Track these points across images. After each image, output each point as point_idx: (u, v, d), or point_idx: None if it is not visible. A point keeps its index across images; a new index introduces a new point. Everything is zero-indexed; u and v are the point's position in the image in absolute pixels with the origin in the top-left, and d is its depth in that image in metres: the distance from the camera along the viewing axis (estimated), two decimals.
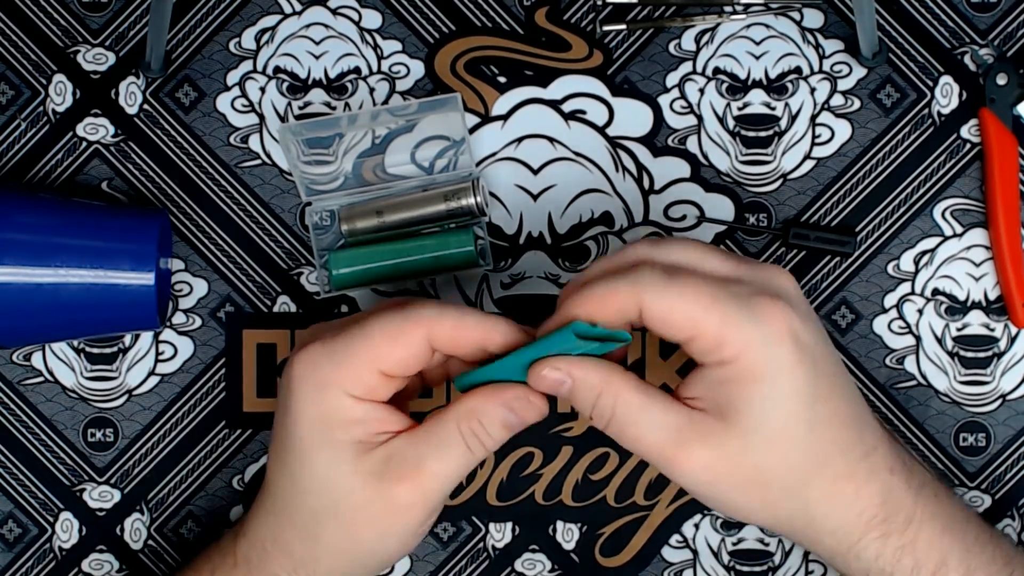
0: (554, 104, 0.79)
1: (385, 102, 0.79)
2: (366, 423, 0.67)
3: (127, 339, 0.80)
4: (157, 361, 0.80)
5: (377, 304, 0.71)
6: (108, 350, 0.79)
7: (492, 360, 0.67)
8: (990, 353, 0.79)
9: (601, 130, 0.79)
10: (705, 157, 0.79)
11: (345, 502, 0.67)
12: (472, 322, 0.66)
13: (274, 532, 0.70)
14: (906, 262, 0.79)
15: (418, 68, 0.79)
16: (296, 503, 0.68)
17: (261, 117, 0.79)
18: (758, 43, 0.79)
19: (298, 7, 0.79)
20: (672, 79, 0.79)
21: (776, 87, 0.79)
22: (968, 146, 0.79)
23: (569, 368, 0.65)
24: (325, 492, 0.67)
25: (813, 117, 0.79)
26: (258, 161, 0.80)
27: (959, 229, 0.79)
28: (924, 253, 0.79)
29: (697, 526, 0.80)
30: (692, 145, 0.79)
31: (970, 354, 0.79)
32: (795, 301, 0.65)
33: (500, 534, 0.80)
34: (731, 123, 0.79)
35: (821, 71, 0.79)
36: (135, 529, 0.80)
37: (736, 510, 0.67)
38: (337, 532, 0.68)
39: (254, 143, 0.79)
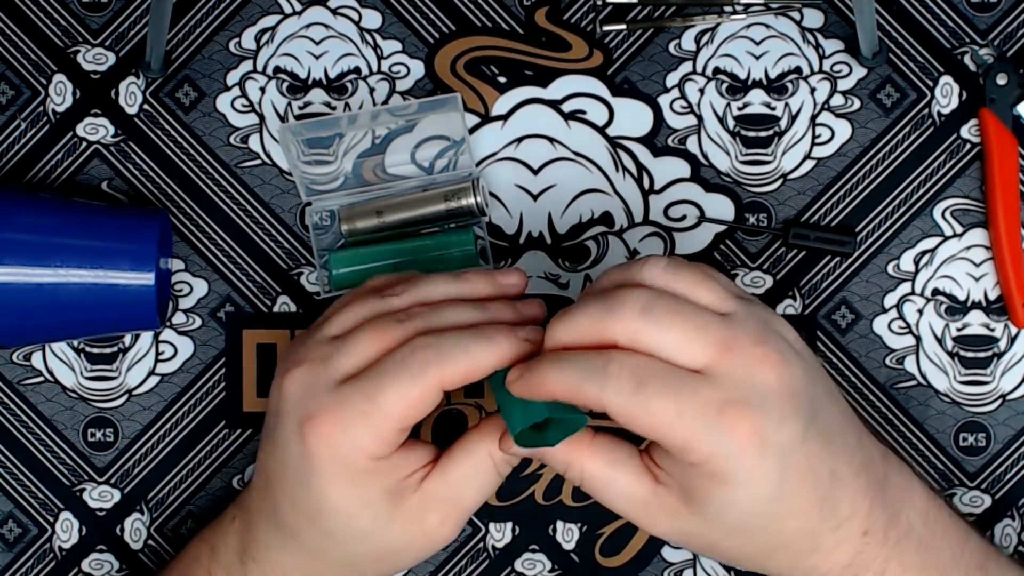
0: (554, 104, 0.79)
1: (385, 102, 0.79)
2: (394, 472, 0.67)
3: (127, 339, 0.80)
4: (157, 361, 0.80)
5: (352, 322, 0.68)
6: (108, 350, 0.79)
7: None
8: (990, 353, 0.79)
9: (601, 130, 0.79)
10: (705, 157, 0.79)
11: (389, 547, 0.68)
12: (482, 357, 0.65)
13: (300, 565, 0.70)
14: (906, 262, 0.79)
15: (418, 68, 0.79)
16: (335, 552, 0.69)
17: (261, 117, 0.79)
18: (758, 43, 0.79)
19: (298, 7, 0.79)
20: (672, 79, 0.79)
21: (776, 87, 0.79)
22: (968, 146, 0.79)
23: (532, 450, 0.67)
24: (369, 543, 0.68)
25: (813, 117, 0.79)
26: (258, 161, 0.80)
27: (959, 229, 0.79)
28: (924, 253, 0.79)
29: None
30: (692, 145, 0.79)
31: (970, 354, 0.79)
32: (773, 399, 0.62)
33: (500, 534, 0.80)
34: (731, 123, 0.79)
35: (821, 71, 0.79)
36: (135, 529, 0.80)
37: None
38: (379, 567, 0.70)
39: (254, 143, 0.79)
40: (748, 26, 0.79)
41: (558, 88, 0.79)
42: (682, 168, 0.79)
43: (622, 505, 0.67)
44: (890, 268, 0.79)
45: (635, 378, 0.61)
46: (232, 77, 0.79)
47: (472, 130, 0.79)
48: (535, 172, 0.79)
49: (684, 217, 0.80)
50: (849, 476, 0.65)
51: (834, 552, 0.66)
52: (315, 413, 0.66)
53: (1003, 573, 0.71)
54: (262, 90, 0.79)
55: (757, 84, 0.79)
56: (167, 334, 0.80)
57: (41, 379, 0.80)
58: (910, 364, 0.79)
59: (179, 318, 0.80)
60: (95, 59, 0.79)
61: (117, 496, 0.80)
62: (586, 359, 0.63)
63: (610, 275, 0.67)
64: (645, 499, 0.66)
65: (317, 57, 0.79)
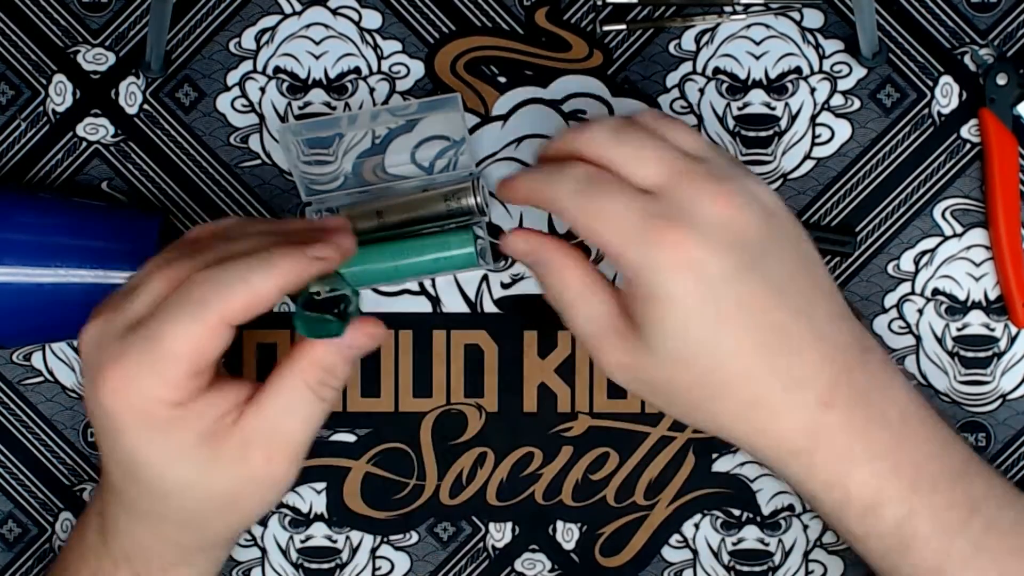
0: (554, 104, 0.79)
1: (385, 102, 0.79)
2: (204, 415, 0.63)
3: None
4: None
5: (151, 271, 0.65)
6: None
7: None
8: (990, 353, 0.79)
9: None
10: None
11: (222, 494, 0.65)
12: (264, 285, 0.62)
13: (152, 531, 0.67)
14: (906, 262, 0.79)
15: (418, 68, 0.79)
16: (171, 508, 0.66)
17: (261, 117, 0.79)
18: (758, 43, 0.79)
19: (298, 7, 0.79)
20: (672, 79, 0.79)
21: (776, 87, 0.79)
22: (968, 146, 0.79)
23: (531, 243, 0.67)
24: (199, 492, 0.64)
25: (813, 117, 0.79)
26: (258, 161, 0.80)
27: (959, 229, 0.79)
28: (924, 253, 0.79)
29: (697, 526, 0.80)
30: None
31: (970, 354, 0.79)
32: (712, 228, 0.62)
33: (500, 534, 0.80)
34: (731, 123, 0.79)
35: (821, 71, 0.79)
36: None
37: (656, 407, 0.70)
38: (224, 517, 0.66)
39: (254, 143, 0.79)
40: (748, 26, 0.79)
41: (558, 88, 0.79)
42: None
43: (583, 327, 0.66)
44: (890, 268, 0.79)
45: (586, 179, 0.63)
46: (232, 77, 0.79)
47: (472, 130, 0.79)
48: None
49: None
50: (806, 338, 0.64)
51: (786, 415, 0.64)
52: (103, 365, 0.62)
53: (984, 482, 0.68)
54: (262, 90, 0.79)
55: (757, 84, 0.79)
56: None
57: (41, 379, 0.80)
58: (910, 364, 0.79)
59: None
60: (95, 59, 0.79)
61: None
62: (549, 168, 0.65)
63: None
64: (604, 324, 0.65)
65: (317, 57, 0.79)
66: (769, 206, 0.65)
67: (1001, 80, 0.78)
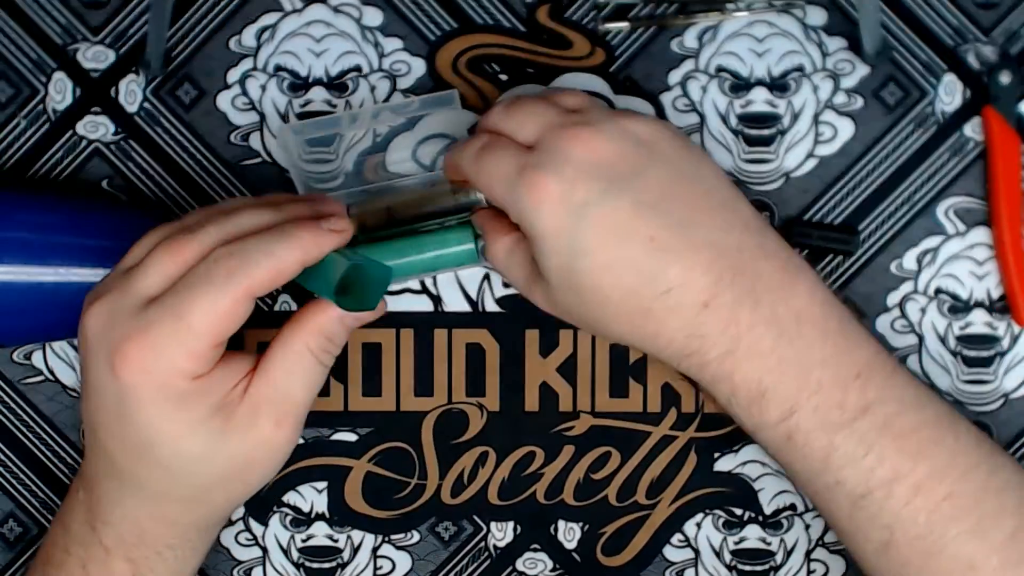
0: None
1: (386, 100, 0.79)
2: (217, 388, 0.65)
3: None
4: None
5: (147, 251, 0.67)
6: None
7: None
8: (993, 352, 0.79)
9: None
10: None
11: (231, 464, 0.67)
12: (288, 257, 0.65)
13: (151, 512, 0.69)
14: (909, 261, 0.79)
15: (419, 66, 0.79)
16: (177, 485, 0.67)
17: (262, 115, 0.79)
18: (761, 41, 0.79)
19: (299, 5, 0.79)
20: (674, 77, 0.79)
21: (779, 85, 0.79)
22: (971, 144, 0.79)
23: (480, 218, 0.74)
24: (208, 465, 0.67)
25: (816, 115, 0.79)
26: (259, 159, 0.79)
27: (962, 228, 0.79)
28: (927, 252, 0.79)
29: (699, 525, 0.80)
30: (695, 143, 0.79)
31: (973, 353, 0.79)
32: (573, 166, 0.67)
33: (501, 533, 0.80)
34: (734, 121, 0.79)
35: (824, 69, 0.79)
36: None
37: (588, 332, 0.78)
38: (230, 489, 0.69)
39: (255, 141, 0.79)
40: (751, 24, 0.79)
41: (560, 86, 0.79)
42: None
43: (513, 277, 0.72)
44: (893, 267, 0.79)
45: (481, 145, 0.69)
46: (232, 75, 0.79)
47: (473, 128, 0.79)
48: None
49: None
50: (679, 247, 0.66)
51: (668, 321, 0.67)
52: (122, 342, 0.64)
53: (885, 385, 0.68)
54: (263, 88, 0.79)
55: (760, 82, 0.79)
56: None
57: (41, 378, 0.80)
58: (913, 363, 0.79)
59: None
60: (95, 57, 0.79)
61: None
62: (461, 141, 0.72)
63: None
64: (525, 270, 0.71)
65: (318, 55, 0.79)
66: (643, 136, 0.68)
67: (1005, 78, 0.78)
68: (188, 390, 0.64)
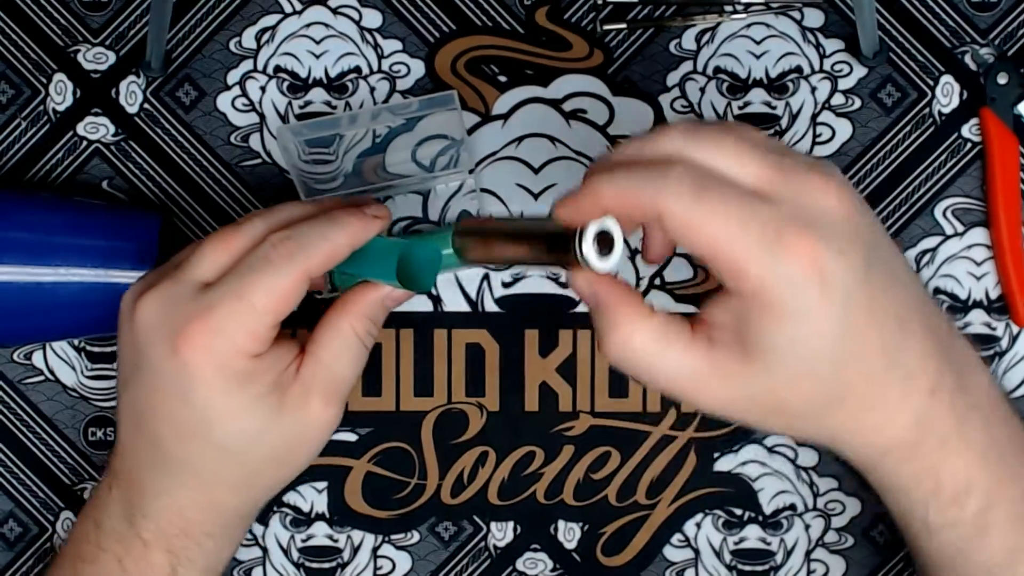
0: (555, 103, 0.79)
1: (385, 101, 0.79)
2: (273, 366, 0.67)
3: None
4: None
5: (198, 246, 0.69)
6: (109, 349, 0.79)
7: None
8: (991, 352, 0.79)
9: (602, 129, 0.79)
10: None
11: (283, 443, 0.69)
12: (343, 238, 0.67)
13: (195, 499, 0.69)
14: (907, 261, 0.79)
15: (418, 67, 0.79)
16: (228, 467, 0.69)
17: (261, 116, 0.79)
18: (759, 42, 0.79)
19: (298, 6, 0.79)
20: (673, 78, 0.79)
21: (777, 86, 0.79)
22: (969, 145, 0.79)
23: (595, 288, 0.61)
24: (262, 445, 0.68)
25: (814, 116, 0.79)
26: (259, 160, 0.79)
27: (960, 228, 0.79)
28: (925, 252, 0.79)
29: (699, 525, 0.80)
30: None
31: None
32: (834, 227, 0.58)
33: (501, 533, 0.80)
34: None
35: (822, 70, 0.79)
36: None
37: (757, 428, 0.71)
38: (279, 471, 0.71)
39: (255, 142, 0.79)
40: (749, 25, 0.79)
41: (559, 87, 0.79)
42: None
43: (671, 380, 0.60)
44: None
45: (696, 185, 0.57)
46: (232, 76, 0.79)
47: (473, 129, 0.79)
48: (536, 171, 0.79)
49: None
50: (918, 328, 0.61)
51: (899, 409, 0.61)
52: (185, 324, 0.66)
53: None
54: (262, 89, 0.79)
55: (758, 83, 0.79)
56: None
57: (42, 378, 0.80)
58: None
59: None
60: (95, 58, 0.79)
61: None
62: (644, 168, 0.59)
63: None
64: (697, 368, 0.60)
65: (317, 56, 0.79)
66: (857, 195, 0.61)
67: (1002, 79, 0.78)
68: (247, 369, 0.66)
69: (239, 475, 0.69)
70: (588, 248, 0.59)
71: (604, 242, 0.59)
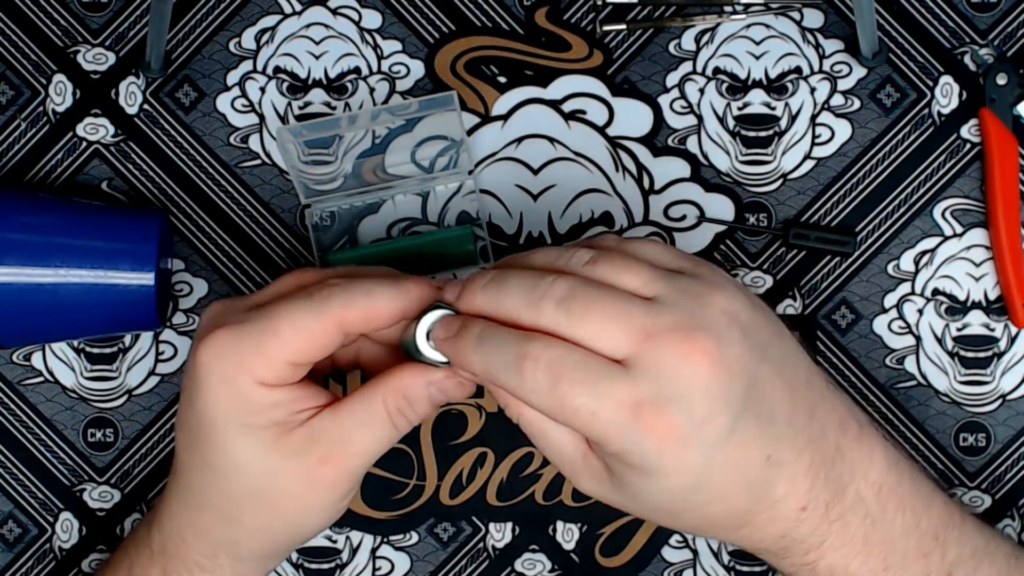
0: (554, 104, 0.79)
1: (385, 102, 0.79)
2: (283, 405, 0.64)
3: (127, 339, 0.80)
4: (157, 361, 0.80)
5: (285, 278, 0.68)
6: (108, 350, 0.79)
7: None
8: (990, 353, 0.79)
9: (601, 130, 0.79)
10: (705, 157, 0.79)
11: (267, 483, 0.65)
12: (384, 301, 0.64)
13: (191, 519, 0.68)
14: (906, 262, 0.79)
15: (418, 68, 0.79)
16: (214, 489, 0.67)
17: (261, 117, 0.79)
18: (758, 43, 0.79)
19: (298, 7, 0.79)
20: (672, 79, 0.79)
21: (776, 87, 0.79)
22: (968, 146, 0.79)
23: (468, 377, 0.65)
24: (245, 476, 0.65)
25: (813, 117, 0.79)
26: (258, 161, 0.80)
27: (959, 229, 0.79)
28: (924, 253, 0.79)
29: None
30: (692, 145, 0.79)
31: (970, 354, 0.79)
32: (696, 395, 0.60)
33: (500, 534, 0.80)
34: (731, 123, 0.79)
35: (821, 71, 0.79)
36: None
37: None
38: (259, 513, 0.67)
39: (254, 143, 0.79)
40: (748, 26, 0.79)
41: (558, 88, 0.79)
42: (682, 168, 0.80)
43: (553, 458, 0.65)
44: (890, 268, 0.79)
45: (551, 373, 0.59)
46: (232, 77, 0.79)
47: (472, 130, 0.79)
48: (535, 172, 0.79)
49: (684, 217, 0.80)
50: (790, 458, 0.63)
51: (767, 527, 0.64)
52: (213, 327, 0.65)
53: (965, 540, 0.68)
54: (262, 90, 0.79)
55: (757, 84, 0.79)
56: (167, 334, 0.80)
57: (41, 379, 0.80)
58: (910, 364, 0.79)
59: (179, 318, 0.80)
60: (95, 59, 0.79)
61: (117, 496, 0.80)
62: (504, 348, 0.61)
63: (541, 255, 0.64)
64: (573, 459, 0.64)
65: (317, 57, 0.79)
66: (742, 319, 0.61)
67: (1001, 80, 0.78)
68: (251, 393, 0.64)
69: (221, 501, 0.67)
70: (422, 342, 0.65)
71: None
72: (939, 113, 0.79)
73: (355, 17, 0.79)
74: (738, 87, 0.79)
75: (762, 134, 0.79)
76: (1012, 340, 0.79)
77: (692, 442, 0.60)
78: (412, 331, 0.64)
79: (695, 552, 0.80)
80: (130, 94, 0.79)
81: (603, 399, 0.59)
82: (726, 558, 0.80)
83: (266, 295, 0.67)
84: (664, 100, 0.79)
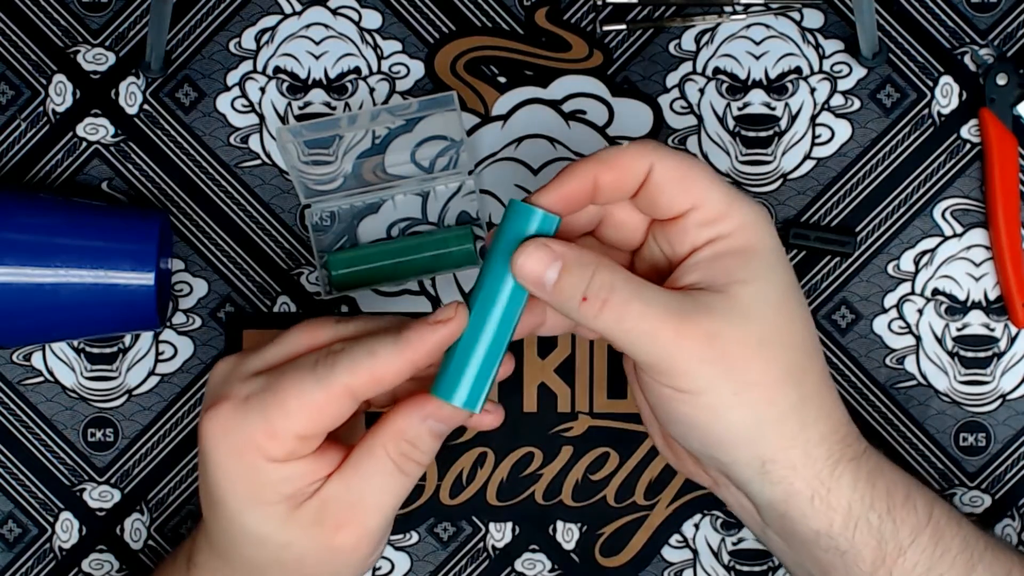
0: (554, 104, 0.79)
1: (385, 102, 0.79)
2: (292, 480, 0.62)
3: (127, 339, 0.80)
4: (157, 361, 0.80)
5: (295, 335, 0.66)
6: (108, 350, 0.79)
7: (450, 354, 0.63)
8: (990, 353, 0.79)
9: (601, 130, 0.79)
10: (705, 157, 0.79)
11: (286, 554, 0.64)
12: (388, 360, 0.61)
13: (221, 571, 0.67)
14: (906, 262, 0.79)
15: (418, 68, 0.79)
16: (235, 553, 0.65)
17: (261, 117, 0.79)
18: (758, 43, 0.79)
19: (298, 7, 0.79)
20: (672, 79, 0.79)
21: (776, 87, 0.79)
22: (968, 146, 0.79)
23: (561, 248, 0.61)
24: (263, 548, 0.64)
25: (813, 117, 0.79)
26: (258, 161, 0.80)
27: (959, 229, 0.79)
28: (924, 253, 0.79)
29: (697, 526, 0.80)
30: (692, 145, 0.79)
31: (970, 354, 0.79)
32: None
33: (500, 534, 0.80)
34: (731, 123, 0.79)
35: (821, 71, 0.79)
36: (135, 529, 0.80)
37: (725, 416, 0.62)
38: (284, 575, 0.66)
39: (254, 143, 0.79)
40: (748, 26, 0.79)
41: (558, 88, 0.79)
42: None
43: (655, 312, 0.60)
44: (890, 268, 0.79)
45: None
46: (232, 77, 0.79)
47: (472, 130, 0.79)
48: (535, 172, 0.79)
49: None
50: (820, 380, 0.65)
51: (837, 405, 0.66)
52: (218, 400, 0.63)
53: (952, 513, 0.69)
54: (262, 90, 0.79)
55: (757, 84, 0.79)
56: (167, 334, 0.80)
57: (41, 379, 0.80)
58: (910, 364, 0.79)
59: (179, 318, 0.80)
60: (95, 59, 0.79)
61: (117, 496, 0.80)
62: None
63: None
64: (680, 302, 0.61)
65: (317, 57, 0.79)
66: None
67: (1001, 80, 0.78)
68: (260, 468, 0.62)
69: (244, 566, 0.65)
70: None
71: None
72: (939, 113, 0.79)
73: (355, 17, 0.79)
74: (738, 87, 0.79)
75: (762, 134, 0.79)
76: (1012, 340, 0.79)
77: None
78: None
79: (695, 552, 0.80)
80: (130, 94, 0.79)
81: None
82: (726, 558, 0.80)
83: (275, 355, 0.65)
84: (664, 100, 0.79)
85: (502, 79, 0.79)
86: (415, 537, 0.80)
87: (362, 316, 0.68)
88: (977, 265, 0.79)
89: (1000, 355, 0.79)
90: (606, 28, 0.79)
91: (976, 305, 0.79)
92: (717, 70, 0.79)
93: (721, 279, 0.62)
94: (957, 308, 0.79)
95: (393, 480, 0.63)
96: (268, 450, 0.62)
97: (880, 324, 0.79)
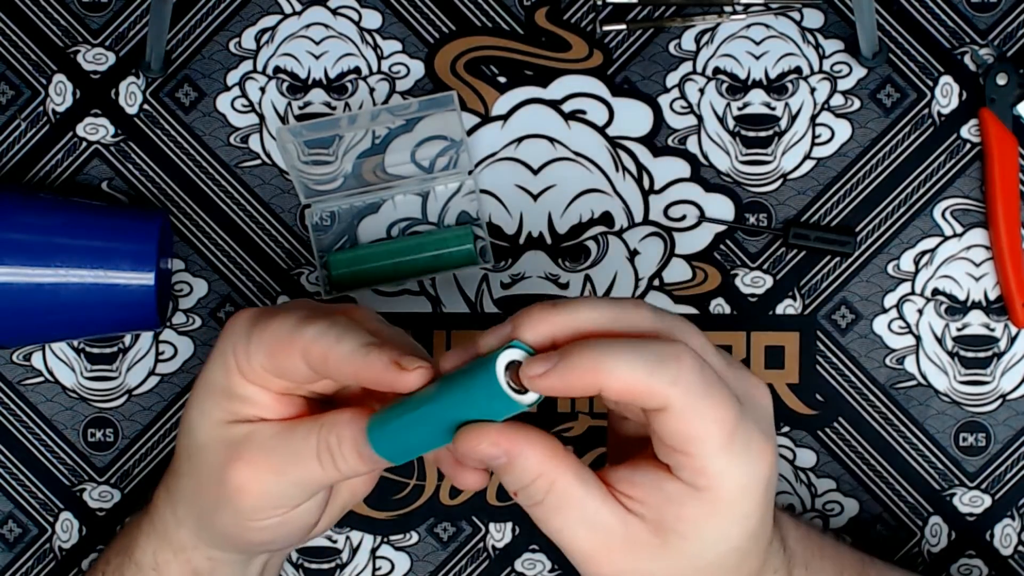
0: (554, 104, 0.79)
1: (385, 102, 0.79)
2: (244, 399, 0.63)
3: (127, 339, 0.80)
4: (157, 361, 0.80)
5: (315, 306, 0.66)
6: (108, 350, 0.79)
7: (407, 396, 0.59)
8: (990, 353, 0.79)
9: (601, 130, 0.79)
10: (705, 157, 0.79)
11: (198, 456, 0.64)
12: (344, 352, 0.60)
13: (172, 465, 0.68)
14: (906, 262, 0.79)
15: (418, 68, 0.79)
16: (179, 442, 0.66)
17: (261, 117, 0.79)
18: (758, 43, 0.79)
19: (298, 7, 0.79)
20: (672, 79, 0.79)
21: (776, 87, 0.79)
22: (968, 146, 0.79)
23: (509, 445, 0.57)
24: (188, 437, 0.65)
25: (813, 117, 0.79)
26: (258, 161, 0.80)
27: (959, 229, 0.79)
28: (924, 253, 0.79)
29: None
30: (692, 145, 0.79)
31: (970, 354, 0.79)
32: (769, 426, 0.59)
33: (500, 534, 0.80)
34: (731, 123, 0.79)
35: (821, 71, 0.79)
36: None
37: None
38: (188, 477, 0.66)
39: (254, 143, 0.79)
40: (748, 26, 0.79)
41: (558, 88, 0.79)
42: (682, 168, 0.80)
43: (581, 534, 0.58)
44: (890, 268, 0.79)
45: (705, 372, 0.55)
46: (232, 77, 0.79)
47: (472, 130, 0.79)
48: (535, 172, 0.79)
49: (684, 217, 0.80)
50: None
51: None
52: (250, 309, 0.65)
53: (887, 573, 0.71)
54: (262, 90, 0.79)
55: (757, 84, 0.79)
56: (167, 334, 0.80)
57: (41, 379, 0.80)
58: (910, 364, 0.79)
59: (179, 318, 0.80)
60: (95, 59, 0.79)
61: (117, 496, 0.80)
62: (655, 345, 0.56)
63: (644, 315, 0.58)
64: (611, 529, 0.58)
65: (317, 57, 0.79)
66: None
67: (1001, 80, 0.78)
68: (231, 375, 0.63)
69: (178, 461, 0.67)
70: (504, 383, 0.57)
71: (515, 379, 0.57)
72: (939, 113, 0.79)
73: (355, 17, 0.79)
74: (738, 87, 0.79)
75: (762, 134, 0.79)
76: (1012, 340, 0.79)
77: (773, 477, 0.59)
78: (490, 385, 0.57)
79: None
80: (130, 94, 0.79)
81: (735, 416, 0.56)
82: None
83: (299, 307, 0.64)
84: (664, 100, 0.79)
85: (502, 79, 0.79)
86: (415, 537, 0.80)
87: (386, 323, 0.66)
88: (977, 265, 0.79)
89: (1000, 355, 0.79)
90: (606, 28, 0.79)
91: (976, 305, 0.79)
92: (717, 70, 0.79)
93: (665, 522, 0.57)
94: (957, 308, 0.79)
95: (308, 460, 0.62)
96: (240, 365, 0.63)
97: (880, 324, 0.79)
